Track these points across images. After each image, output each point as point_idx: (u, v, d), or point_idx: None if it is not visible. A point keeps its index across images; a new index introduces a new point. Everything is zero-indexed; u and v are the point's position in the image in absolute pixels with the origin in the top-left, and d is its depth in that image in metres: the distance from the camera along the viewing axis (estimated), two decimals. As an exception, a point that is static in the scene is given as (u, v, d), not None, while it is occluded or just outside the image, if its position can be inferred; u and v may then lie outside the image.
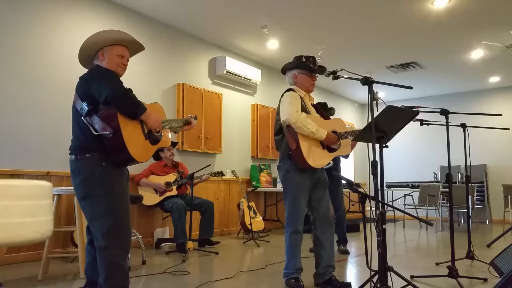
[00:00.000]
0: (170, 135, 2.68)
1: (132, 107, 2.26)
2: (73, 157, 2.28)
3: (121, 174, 2.35)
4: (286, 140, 2.93)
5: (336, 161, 4.67)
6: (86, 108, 2.22)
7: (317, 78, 3.16)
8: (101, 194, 2.22)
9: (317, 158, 2.89)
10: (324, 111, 4.59)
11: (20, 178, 3.94)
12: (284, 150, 2.98)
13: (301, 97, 3.00)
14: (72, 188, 3.61)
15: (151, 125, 2.38)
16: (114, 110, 2.21)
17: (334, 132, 3.00)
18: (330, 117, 3.24)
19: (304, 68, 3.05)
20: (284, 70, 3.16)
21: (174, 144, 5.20)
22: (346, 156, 4.65)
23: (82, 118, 2.23)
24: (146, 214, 5.16)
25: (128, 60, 2.47)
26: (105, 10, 4.93)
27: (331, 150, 3.00)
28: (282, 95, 3.01)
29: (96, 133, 2.21)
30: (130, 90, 2.29)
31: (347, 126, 3.25)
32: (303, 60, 3.06)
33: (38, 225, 2.41)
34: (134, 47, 2.53)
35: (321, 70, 3.06)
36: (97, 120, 2.22)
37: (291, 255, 2.91)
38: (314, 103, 3.20)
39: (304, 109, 2.96)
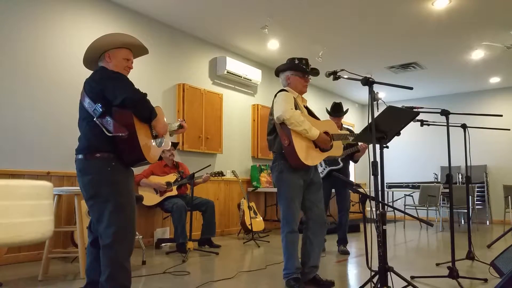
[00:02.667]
0: (169, 139, 2.73)
1: (147, 111, 2.30)
2: (81, 156, 2.29)
3: (128, 174, 2.38)
4: (279, 139, 2.95)
5: (346, 163, 4.68)
6: (101, 110, 2.23)
7: (310, 79, 3.18)
8: (110, 194, 2.24)
9: (309, 156, 2.90)
10: (338, 111, 4.65)
11: (20, 178, 3.95)
12: (277, 149, 3.00)
13: (294, 98, 3.01)
14: (72, 188, 3.64)
15: (158, 130, 2.42)
16: (129, 112, 2.24)
17: (326, 133, 3.01)
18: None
19: (297, 69, 3.07)
20: (277, 72, 3.20)
21: (175, 144, 5.20)
22: (356, 161, 4.68)
23: (94, 119, 2.25)
24: (146, 214, 5.16)
25: (132, 63, 2.49)
26: (105, 10, 4.93)
27: (323, 150, 3.01)
28: (276, 95, 3.03)
29: (109, 135, 2.22)
30: (145, 94, 2.31)
31: (349, 127, 3.26)
32: (296, 61, 3.08)
33: (38, 225, 2.41)
34: (139, 51, 2.56)
35: (314, 72, 3.09)
36: (110, 121, 2.23)
37: (289, 255, 2.93)
38: (307, 104, 3.21)
39: (297, 109, 2.97)
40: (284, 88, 3.10)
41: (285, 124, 2.87)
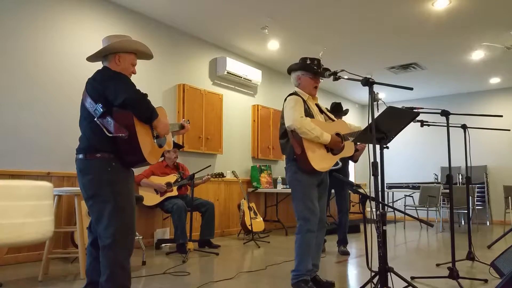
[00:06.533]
0: (172, 139, 2.72)
1: (148, 112, 2.29)
2: (81, 156, 2.29)
3: (128, 175, 2.38)
4: (291, 144, 2.92)
5: (345, 162, 4.68)
6: (101, 110, 2.23)
7: (321, 81, 3.15)
8: (109, 194, 2.24)
9: (322, 161, 2.88)
10: (338, 111, 4.65)
11: (20, 178, 3.94)
12: (289, 154, 2.97)
13: (304, 100, 2.99)
14: (72, 188, 3.64)
15: (160, 130, 2.41)
16: (129, 113, 2.24)
17: (337, 134, 3.00)
18: (335, 119, 3.24)
19: (308, 70, 3.02)
20: (289, 71, 3.15)
21: (179, 146, 5.19)
22: (356, 160, 4.68)
23: (95, 119, 2.25)
24: (146, 215, 5.16)
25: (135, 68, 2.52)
26: (106, 10, 4.94)
27: (335, 153, 3.00)
28: (286, 99, 3.00)
29: (110, 135, 2.23)
30: (146, 95, 2.31)
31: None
32: (308, 62, 3.03)
33: (38, 225, 2.41)
34: (143, 56, 2.57)
35: (327, 74, 3.03)
36: (110, 121, 2.23)
37: (303, 255, 2.84)
38: (318, 102, 3.19)
39: (307, 112, 2.94)
40: (295, 91, 3.06)
41: (296, 132, 2.84)
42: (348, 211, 4.78)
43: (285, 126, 2.93)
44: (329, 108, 4.77)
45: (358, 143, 4.37)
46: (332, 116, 3.23)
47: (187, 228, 4.57)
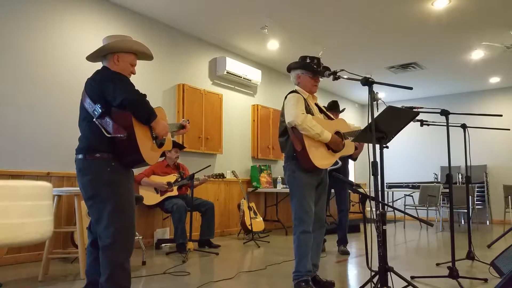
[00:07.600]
0: (171, 139, 2.72)
1: (146, 112, 2.29)
2: (81, 156, 2.29)
3: (128, 175, 2.38)
4: (291, 142, 2.91)
5: (345, 161, 4.68)
6: (100, 111, 2.23)
7: (321, 80, 3.15)
8: (109, 194, 2.24)
9: (322, 159, 2.88)
10: (335, 109, 4.69)
11: (20, 178, 3.94)
12: (289, 151, 2.96)
13: (304, 99, 2.99)
14: (72, 188, 3.63)
15: (158, 131, 2.41)
16: (128, 113, 2.24)
17: (337, 132, 3.00)
18: (334, 117, 3.24)
19: (308, 69, 3.01)
20: (289, 69, 3.14)
21: (181, 147, 5.20)
22: (355, 159, 4.69)
23: (94, 120, 2.25)
24: (146, 215, 5.16)
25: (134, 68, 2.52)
26: (105, 10, 4.93)
27: (335, 151, 3.00)
28: (286, 97, 2.99)
29: (109, 135, 2.23)
30: (145, 96, 2.30)
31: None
32: (308, 61, 3.02)
33: (38, 225, 2.41)
34: (143, 57, 2.57)
35: (327, 73, 3.03)
36: (109, 122, 2.23)
37: (301, 256, 2.85)
38: (318, 102, 3.19)
39: (308, 110, 2.94)
40: (295, 89, 3.07)
41: (297, 129, 2.84)
42: (348, 211, 4.78)
43: (285, 124, 2.93)
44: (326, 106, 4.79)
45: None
46: (331, 115, 3.23)
47: (187, 228, 4.57)
